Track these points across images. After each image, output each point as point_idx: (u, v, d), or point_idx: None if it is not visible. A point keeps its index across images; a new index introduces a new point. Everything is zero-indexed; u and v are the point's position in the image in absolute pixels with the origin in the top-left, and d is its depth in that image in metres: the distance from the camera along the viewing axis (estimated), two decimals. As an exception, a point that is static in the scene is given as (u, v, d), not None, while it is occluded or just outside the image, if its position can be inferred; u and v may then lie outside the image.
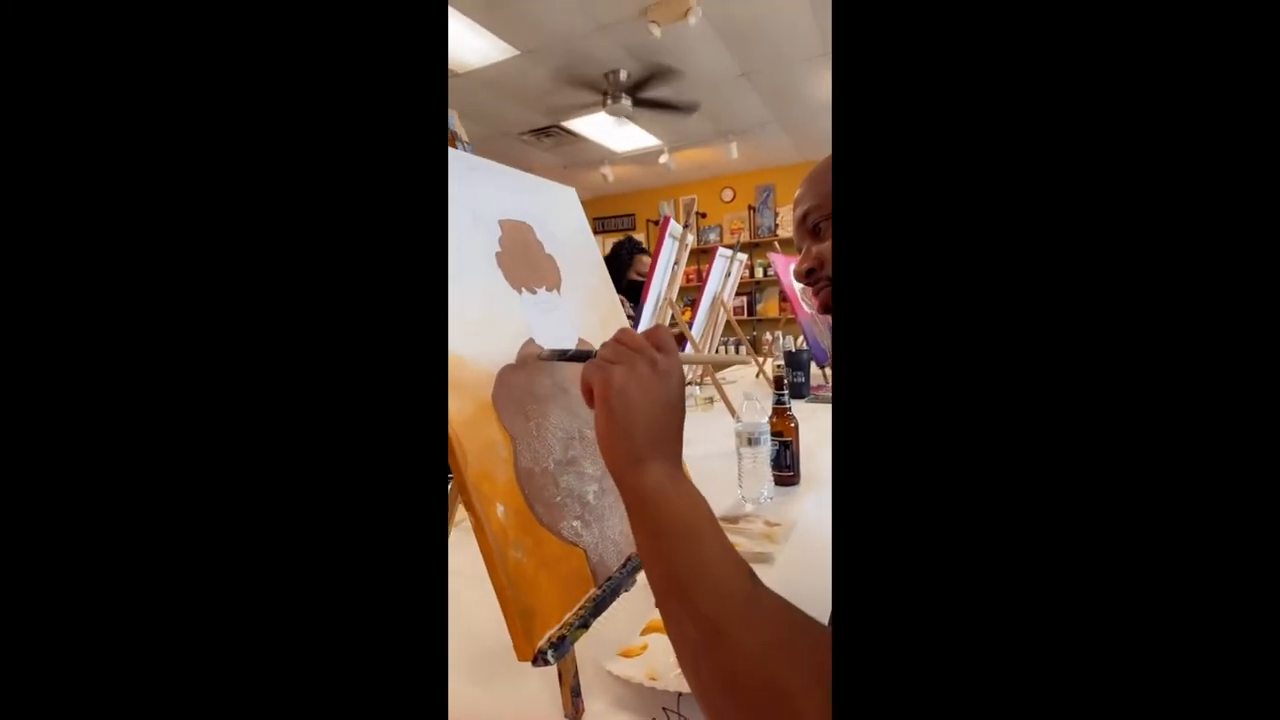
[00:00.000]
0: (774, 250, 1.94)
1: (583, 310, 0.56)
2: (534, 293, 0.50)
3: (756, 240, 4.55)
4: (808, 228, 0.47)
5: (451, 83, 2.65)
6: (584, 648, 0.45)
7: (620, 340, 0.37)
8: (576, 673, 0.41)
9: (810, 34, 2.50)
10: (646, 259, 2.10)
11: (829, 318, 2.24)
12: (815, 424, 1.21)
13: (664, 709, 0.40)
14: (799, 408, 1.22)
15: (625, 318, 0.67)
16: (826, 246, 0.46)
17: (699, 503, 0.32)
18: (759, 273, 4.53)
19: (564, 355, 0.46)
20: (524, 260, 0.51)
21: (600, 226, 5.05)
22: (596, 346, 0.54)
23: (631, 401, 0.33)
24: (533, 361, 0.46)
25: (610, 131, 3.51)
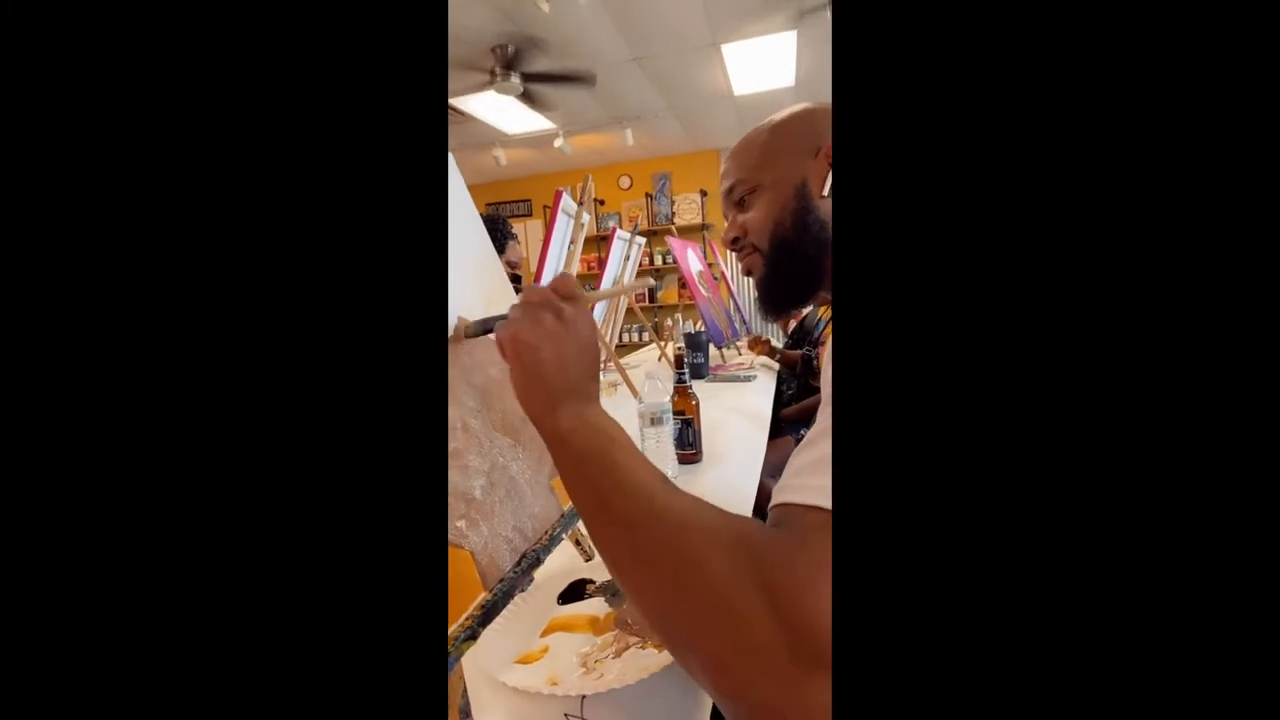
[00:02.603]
0: (671, 235, 1.96)
1: (459, 284, 0.50)
2: (399, 263, 0.43)
3: (655, 228, 4.59)
4: (734, 200, 0.51)
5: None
6: (474, 660, 0.40)
7: (525, 297, 0.38)
8: (465, 691, 0.36)
9: (700, 24, 2.53)
10: (518, 247, 2.01)
11: (725, 302, 2.32)
12: (715, 402, 1.24)
13: (565, 715, 0.37)
14: (699, 387, 1.23)
15: (514, 294, 0.61)
16: (750, 216, 0.50)
17: (614, 427, 0.33)
18: (659, 260, 4.59)
19: (488, 327, 0.42)
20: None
21: (495, 211, 4.83)
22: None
23: (540, 354, 0.34)
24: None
25: (501, 111, 3.34)
